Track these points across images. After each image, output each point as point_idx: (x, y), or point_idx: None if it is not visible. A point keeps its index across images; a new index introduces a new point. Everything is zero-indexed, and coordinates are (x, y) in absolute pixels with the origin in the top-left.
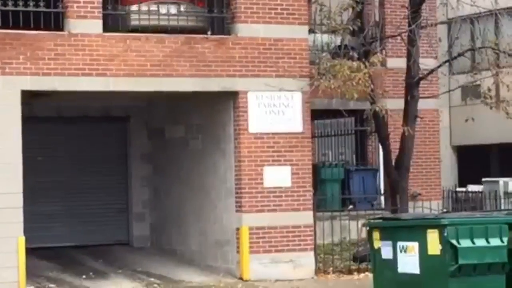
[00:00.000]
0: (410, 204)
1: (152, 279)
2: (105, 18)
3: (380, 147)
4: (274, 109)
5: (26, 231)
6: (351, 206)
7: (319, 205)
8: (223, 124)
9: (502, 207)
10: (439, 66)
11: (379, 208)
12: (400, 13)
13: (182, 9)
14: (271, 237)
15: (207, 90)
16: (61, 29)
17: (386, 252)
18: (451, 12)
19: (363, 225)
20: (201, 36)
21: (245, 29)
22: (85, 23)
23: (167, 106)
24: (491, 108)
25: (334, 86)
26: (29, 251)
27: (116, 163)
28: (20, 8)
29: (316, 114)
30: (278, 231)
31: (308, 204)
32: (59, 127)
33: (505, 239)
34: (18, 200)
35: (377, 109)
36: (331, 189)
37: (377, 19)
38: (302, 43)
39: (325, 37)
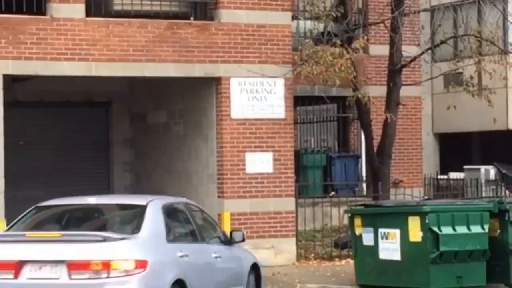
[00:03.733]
0: (392, 191)
1: None
2: (88, 3)
3: (362, 134)
4: (257, 95)
5: (7, 216)
6: (333, 193)
7: (301, 192)
8: (206, 110)
9: (483, 195)
10: (421, 54)
11: (361, 194)
12: (383, 0)
13: None
14: (252, 223)
15: (189, 75)
16: (44, 13)
17: (368, 239)
18: (434, 0)
19: (345, 211)
20: (184, 21)
21: (228, 15)
22: (68, 8)
23: (149, 92)
24: (473, 96)
25: (317, 73)
26: None
27: (98, 148)
28: None
29: (298, 101)
30: (260, 217)
31: (290, 191)
32: (41, 112)
33: (486, 227)
34: None
35: (359, 96)
36: (313, 175)
37: (360, 6)
38: (285, 30)
39: (308, 24)
